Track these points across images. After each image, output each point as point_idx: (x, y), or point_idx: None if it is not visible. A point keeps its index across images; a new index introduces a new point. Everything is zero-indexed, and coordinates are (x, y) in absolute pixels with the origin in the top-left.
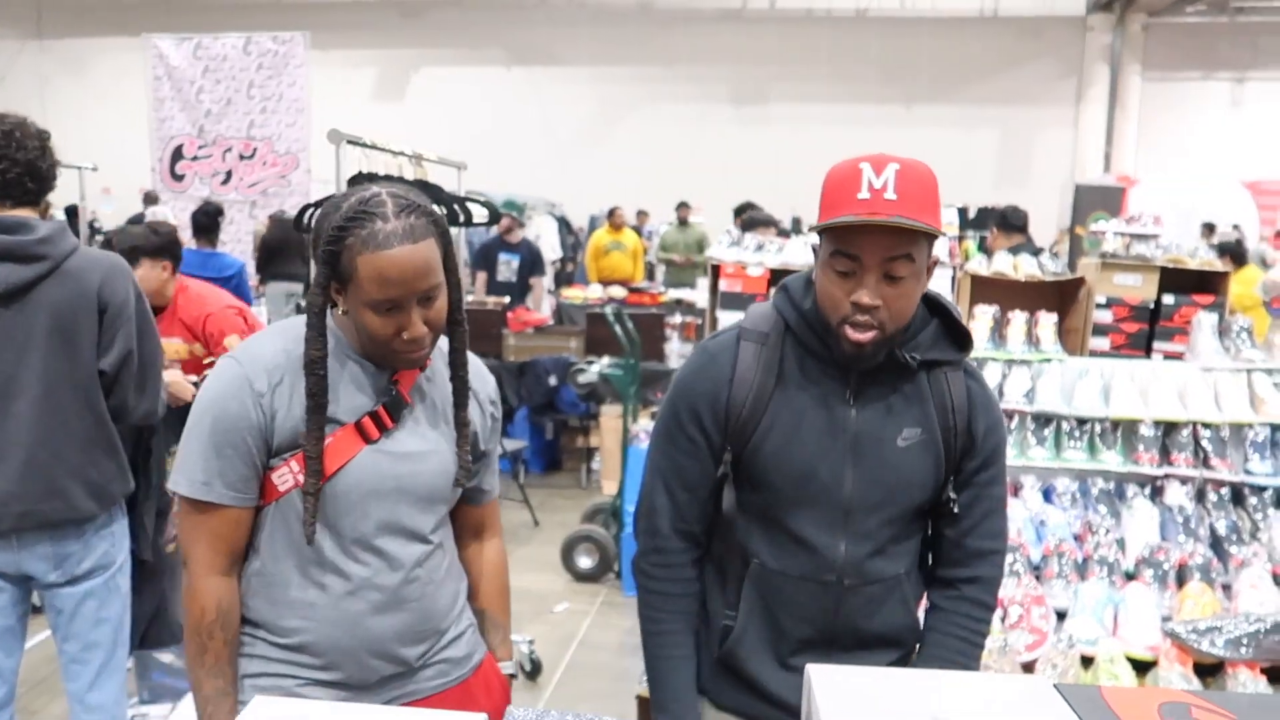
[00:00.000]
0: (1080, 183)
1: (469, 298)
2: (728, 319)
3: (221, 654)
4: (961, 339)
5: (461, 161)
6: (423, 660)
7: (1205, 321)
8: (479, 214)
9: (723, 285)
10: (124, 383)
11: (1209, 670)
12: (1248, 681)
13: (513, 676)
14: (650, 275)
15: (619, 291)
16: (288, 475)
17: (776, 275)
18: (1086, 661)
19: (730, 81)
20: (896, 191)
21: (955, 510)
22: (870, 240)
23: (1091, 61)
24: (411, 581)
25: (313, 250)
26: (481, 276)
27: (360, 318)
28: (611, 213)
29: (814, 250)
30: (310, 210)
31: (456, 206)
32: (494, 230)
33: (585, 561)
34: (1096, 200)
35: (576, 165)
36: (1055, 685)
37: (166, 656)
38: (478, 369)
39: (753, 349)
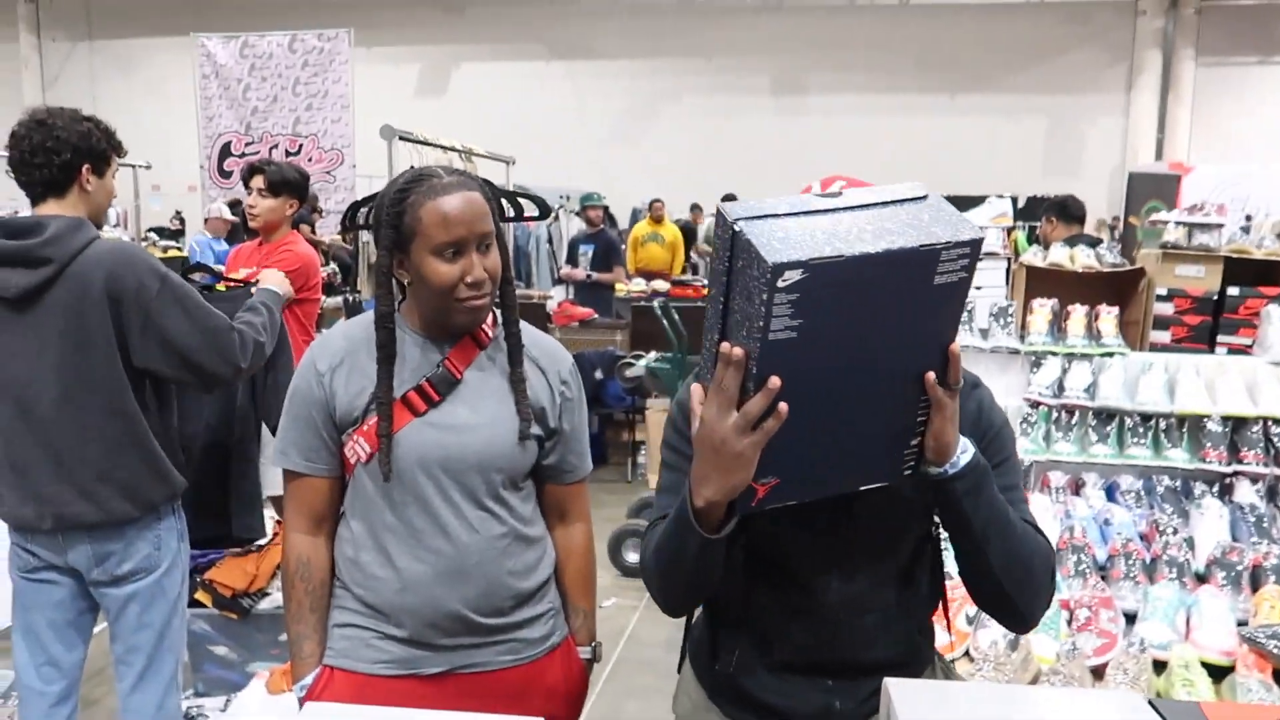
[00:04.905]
0: (1134, 170)
1: (553, 294)
2: None
3: (303, 602)
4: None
5: (510, 156)
6: (496, 631)
7: (1274, 313)
8: (530, 208)
9: None
10: (197, 357)
11: None
12: None
13: (589, 661)
14: (695, 269)
15: (662, 284)
16: (355, 449)
17: None
18: (1159, 666)
19: (769, 73)
20: None
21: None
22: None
23: (1143, 47)
24: (470, 548)
25: (375, 230)
26: (568, 269)
27: (425, 269)
28: (652, 205)
29: None
30: (356, 208)
31: (506, 200)
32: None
33: (632, 556)
34: (1151, 188)
35: (617, 158)
36: (1150, 701)
37: (220, 649)
38: (549, 347)
39: None
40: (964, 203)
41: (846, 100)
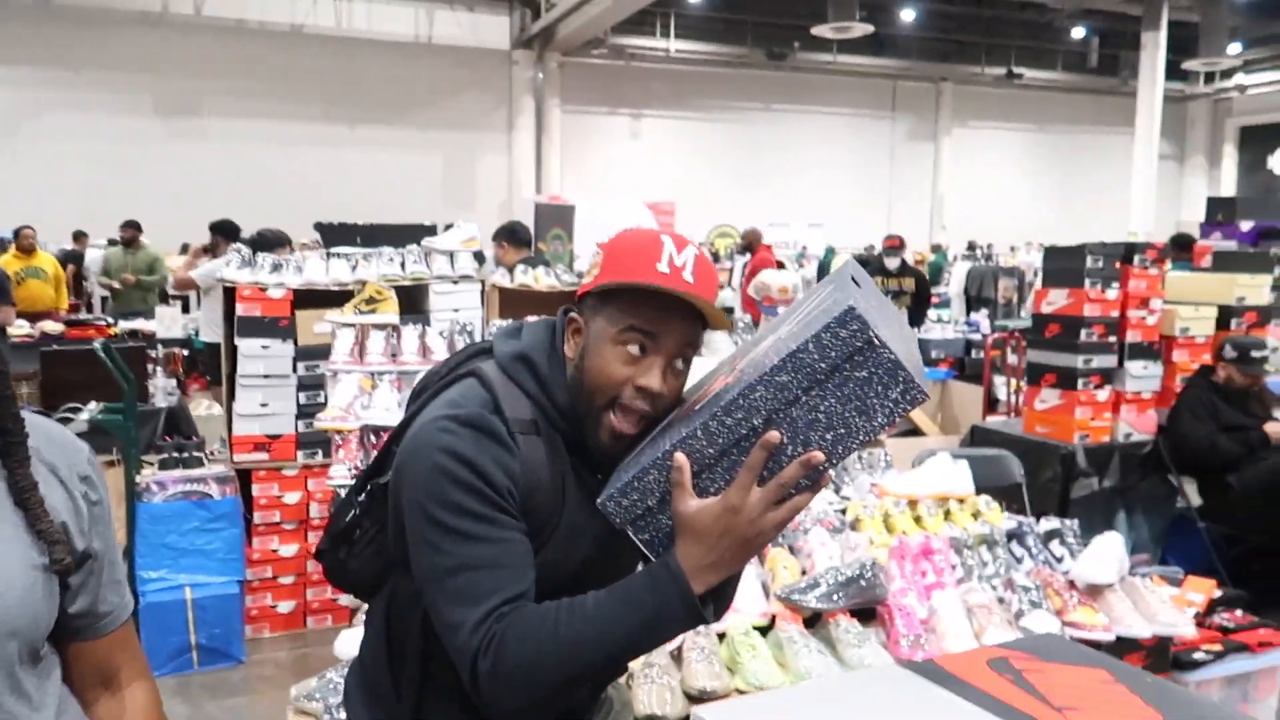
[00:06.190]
0: (538, 202)
1: None
2: (250, 347)
3: None
4: None
5: None
6: None
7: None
8: None
9: (240, 310)
10: None
11: (808, 622)
12: (848, 626)
13: None
14: (90, 305)
15: (53, 326)
16: None
17: (299, 295)
18: (720, 636)
19: (153, 92)
20: (694, 275)
21: None
22: (675, 322)
23: (519, 93)
24: None
25: None
26: None
27: None
28: (19, 233)
29: (570, 320)
30: None
31: None
32: None
33: None
34: (554, 218)
35: None
36: (904, 665)
37: None
38: (55, 436)
39: (533, 443)
40: (404, 232)
41: (247, 126)
